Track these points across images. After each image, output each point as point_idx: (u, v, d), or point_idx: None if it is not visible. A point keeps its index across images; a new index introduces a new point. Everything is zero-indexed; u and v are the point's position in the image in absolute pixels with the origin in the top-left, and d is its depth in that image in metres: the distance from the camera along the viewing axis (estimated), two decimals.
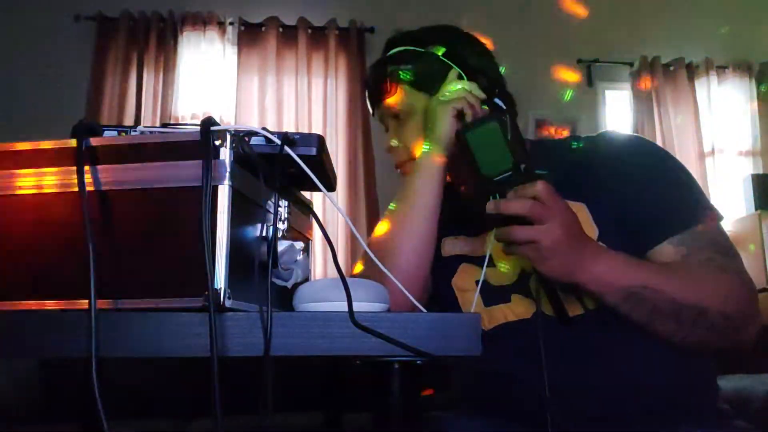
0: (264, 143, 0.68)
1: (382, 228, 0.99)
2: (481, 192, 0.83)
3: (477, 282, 1.00)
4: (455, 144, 0.87)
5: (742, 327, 0.87)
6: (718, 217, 0.92)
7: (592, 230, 0.92)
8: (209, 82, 3.34)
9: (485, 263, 0.91)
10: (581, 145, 1.02)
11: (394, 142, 1.07)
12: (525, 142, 0.82)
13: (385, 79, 1.05)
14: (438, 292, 1.05)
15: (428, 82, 1.02)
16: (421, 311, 0.68)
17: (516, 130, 0.81)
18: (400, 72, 1.04)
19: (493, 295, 0.98)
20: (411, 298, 0.71)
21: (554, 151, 1.05)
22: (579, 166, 0.98)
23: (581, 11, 3.48)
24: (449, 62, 1.01)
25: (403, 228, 0.96)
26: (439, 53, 1.02)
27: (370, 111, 1.15)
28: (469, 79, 0.99)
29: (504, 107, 0.97)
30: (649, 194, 0.92)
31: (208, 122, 0.63)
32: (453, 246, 1.05)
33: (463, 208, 1.08)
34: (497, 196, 0.82)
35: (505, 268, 0.98)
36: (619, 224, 0.92)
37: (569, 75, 3.58)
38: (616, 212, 0.93)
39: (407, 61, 1.04)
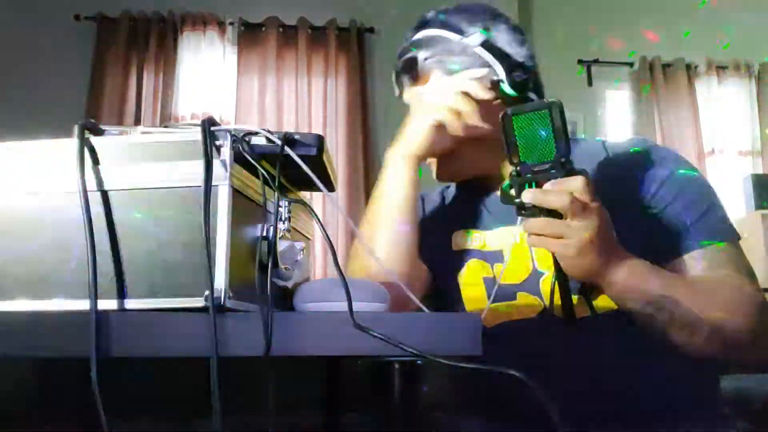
0: (264, 143, 0.68)
1: (362, 228, 0.99)
2: (516, 179, 0.81)
3: (484, 278, 1.00)
4: (500, 126, 0.84)
5: (755, 344, 0.87)
6: (738, 237, 0.93)
7: None
8: (209, 82, 3.34)
9: (504, 262, 0.90)
10: (610, 149, 1.02)
11: None
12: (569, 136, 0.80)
13: (417, 66, 1.00)
14: (442, 286, 1.04)
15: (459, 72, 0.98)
16: (423, 309, 0.68)
17: (564, 123, 0.80)
18: (435, 60, 0.99)
19: (499, 292, 0.98)
20: (410, 293, 0.71)
21: (582, 152, 1.03)
22: (606, 171, 0.97)
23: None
24: (487, 55, 0.97)
25: (377, 227, 0.96)
26: (476, 42, 0.98)
27: (396, 92, 1.09)
28: (507, 73, 0.97)
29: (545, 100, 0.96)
30: (675, 209, 0.92)
31: (208, 122, 0.63)
32: (463, 240, 1.05)
33: (475, 203, 1.07)
34: (533, 185, 0.80)
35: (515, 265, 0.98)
36: (638, 233, 0.91)
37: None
38: (638, 221, 0.92)
39: (442, 49, 0.99)
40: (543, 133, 0.79)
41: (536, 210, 0.79)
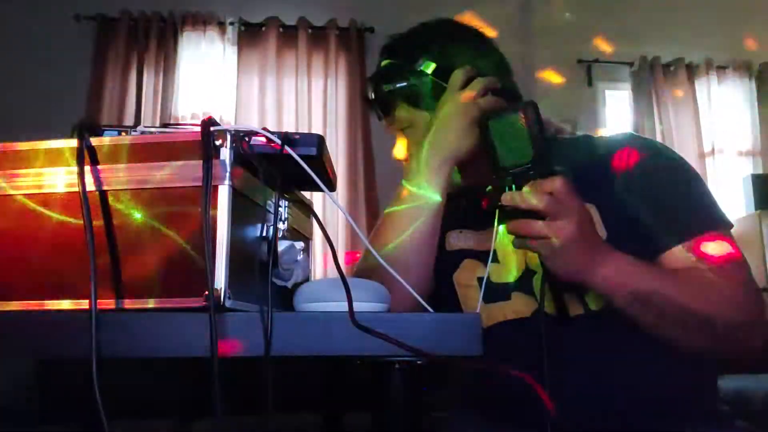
0: (264, 143, 0.68)
1: (386, 229, 0.98)
2: (496, 183, 0.81)
3: (479, 279, 1.00)
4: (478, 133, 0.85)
5: (749, 337, 0.87)
6: (728, 226, 0.92)
7: (600, 232, 0.91)
8: (209, 82, 3.34)
9: (489, 259, 0.90)
10: (597, 144, 1.02)
11: (400, 154, 1.05)
12: (546, 137, 0.80)
13: (379, 98, 1.03)
14: (438, 287, 1.04)
15: (423, 100, 1.00)
16: (428, 311, 0.68)
17: (540, 123, 0.79)
18: (393, 92, 1.01)
19: (493, 292, 0.98)
20: (420, 299, 0.71)
21: (568, 149, 1.03)
22: (593, 167, 0.97)
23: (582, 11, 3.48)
24: (440, 81, 0.98)
25: (409, 229, 0.96)
26: (429, 70, 0.99)
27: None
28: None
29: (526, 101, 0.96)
30: (663, 201, 0.92)
31: (208, 122, 0.63)
32: (457, 240, 1.05)
33: (469, 201, 1.07)
34: (513, 188, 0.80)
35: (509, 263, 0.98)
36: (628, 228, 0.91)
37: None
38: (627, 216, 0.92)
39: (399, 79, 1.01)
40: (519, 135, 0.80)
41: (517, 212, 0.80)
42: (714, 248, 0.89)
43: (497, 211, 0.83)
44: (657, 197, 0.92)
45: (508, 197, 0.80)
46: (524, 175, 0.80)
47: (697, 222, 0.91)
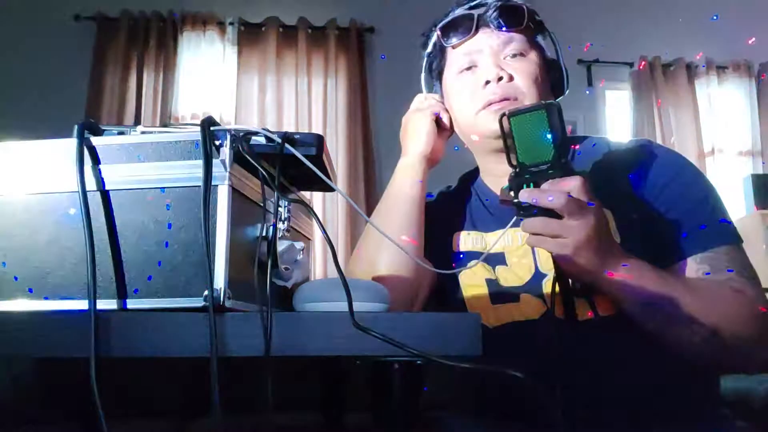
0: (264, 143, 0.68)
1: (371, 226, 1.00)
2: (514, 180, 0.81)
3: (486, 280, 1.00)
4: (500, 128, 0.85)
5: (755, 350, 0.87)
6: (740, 241, 0.92)
7: (615, 238, 0.90)
8: (209, 82, 3.34)
9: (484, 252, 0.90)
10: (615, 149, 1.02)
11: (502, 73, 0.98)
12: (567, 137, 0.80)
13: (526, 17, 1.03)
14: (445, 288, 1.04)
15: (542, 45, 1.07)
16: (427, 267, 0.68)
17: (562, 124, 0.79)
18: (535, 18, 1.06)
19: (501, 294, 0.98)
20: (422, 263, 0.71)
21: (585, 150, 1.03)
22: (610, 171, 0.97)
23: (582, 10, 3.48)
24: (555, 43, 1.09)
25: (388, 223, 0.98)
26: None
27: (470, 31, 1.02)
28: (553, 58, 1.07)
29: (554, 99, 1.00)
30: (678, 211, 0.92)
31: (208, 122, 0.63)
32: (465, 241, 1.05)
33: (476, 204, 1.07)
34: (531, 185, 0.80)
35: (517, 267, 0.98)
36: (642, 236, 0.91)
37: None
38: (642, 224, 0.92)
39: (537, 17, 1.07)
40: (540, 133, 0.79)
41: (534, 210, 0.79)
42: (727, 261, 0.89)
43: (515, 209, 0.82)
44: (674, 207, 0.92)
45: (526, 194, 0.79)
46: (543, 174, 0.79)
47: (712, 235, 0.90)
